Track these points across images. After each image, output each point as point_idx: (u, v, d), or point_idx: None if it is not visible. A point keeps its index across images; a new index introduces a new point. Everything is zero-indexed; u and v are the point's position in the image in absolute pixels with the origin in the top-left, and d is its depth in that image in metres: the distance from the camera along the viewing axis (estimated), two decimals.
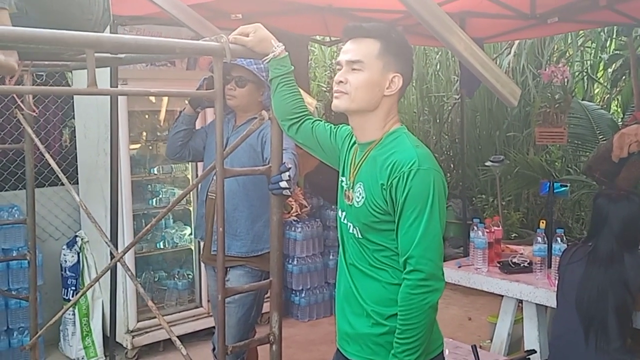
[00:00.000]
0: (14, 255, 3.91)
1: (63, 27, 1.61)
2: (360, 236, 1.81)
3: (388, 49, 1.77)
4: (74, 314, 4.22)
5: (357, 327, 1.84)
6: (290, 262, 4.88)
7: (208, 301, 4.38)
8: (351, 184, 1.85)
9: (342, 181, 1.92)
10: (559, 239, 3.21)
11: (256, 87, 2.83)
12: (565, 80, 5.13)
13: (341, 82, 1.79)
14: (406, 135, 1.81)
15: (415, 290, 1.67)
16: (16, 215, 4.03)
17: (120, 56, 2.44)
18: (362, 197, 1.78)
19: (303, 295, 4.94)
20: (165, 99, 4.44)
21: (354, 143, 1.90)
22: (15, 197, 4.32)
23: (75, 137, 4.68)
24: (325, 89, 7.67)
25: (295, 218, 4.92)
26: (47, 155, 2.49)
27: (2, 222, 3.76)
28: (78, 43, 1.50)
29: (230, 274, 2.82)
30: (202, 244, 3.08)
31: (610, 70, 6.74)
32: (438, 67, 7.58)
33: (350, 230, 1.85)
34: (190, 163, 4.41)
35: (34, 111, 2.49)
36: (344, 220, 1.89)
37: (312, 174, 5.10)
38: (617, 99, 6.92)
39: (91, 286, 2.48)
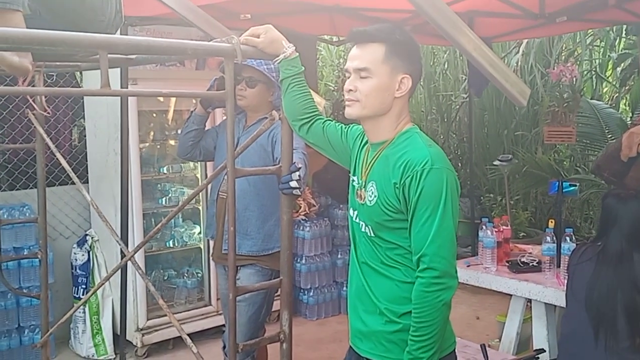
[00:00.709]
0: (25, 253, 3.94)
1: (76, 28, 1.63)
2: (372, 235, 1.83)
3: (394, 51, 1.77)
4: (84, 312, 4.26)
5: (370, 324, 1.86)
6: (298, 261, 4.89)
7: (218, 299, 4.41)
8: (363, 183, 1.86)
9: (353, 180, 1.93)
10: (568, 238, 3.20)
11: (266, 88, 2.84)
12: (574, 79, 5.12)
13: (351, 90, 1.80)
14: (418, 134, 1.82)
15: (429, 288, 1.69)
16: (27, 214, 4.06)
17: (131, 57, 2.46)
18: (375, 196, 1.80)
19: (311, 294, 4.96)
20: (173, 98, 4.47)
21: (366, 142, 1.92)
22: (26, 196, 4.35)
23: (85, 136, 4.71)
24: (332, 88, 7.68)
25: (303, 217, 4.94)
26: (58, 155, 2.51)
27: (13, 221, 3.79)
28: (92, 44, 1.52)
29: (240, 272, 2.84)
30: (211, 242, 3.10)
31: (619, 69, 6.72)
32: (446, 66, 7.58)
33: (363, 229, 1.86)
34: (199, 162, 4.44)
35: (46, 111, 2.51)
36: (355, 219, 1.90)
37: (320, 173, 5.11)
38: (626, 98, 6.89)
39: (102, 284, 2.50)
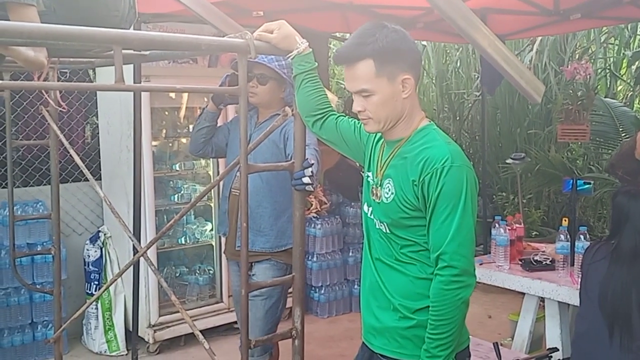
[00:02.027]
0: (38, 249, 3.97)
1: (89, 24, 1.63)
2: (387, 231, 1.82)
3: (383, 60, 1.71)
4: (96, 308, 4.28)
5: (383, 320, 1.85)
6: (309, 258, 4.89)
7: (229, 296, 4.42)
8: (379, 181, 1.84)
9: (368, 176, 1.92)
10: (582, 236, 3.17)
11: (278, 84, 2.84)
12: (588, 77, 5.08)
13: (360, 111, 1.79)
14: (436, 131, 1.81)
15: (449, 286, 1.68)
16: (41, 211, 4.09)
17: (144, 53, 2.47)
18: (392, 193, 1.78)
19: (322, 291, 4.95)
20: (185, 96, 4.48)
21: (380, 138, 1.90)
22: (39, 192, 4.38)
23: (97, 133, 4.74)
24: (344, 86, 7.66)
25: (314, 215, 4.93)
26: (71, 152, 2.52)
27: (27, 217, 3.81)
28: (106, 40, 1.52)
29: (255, 268, 2.85)
30: (223, 239, 3.10)
31: (633, 67, 6.66)
32: (458, 64, 7.54)
33: (377, 226, 1.86)
34: (211, 159, 4.45)
35: (62, 107, 2.53)
36: (370, 215, 1.89)
37: (331, 171, 5.10)
38: None
39: (114, 281, 2.51)
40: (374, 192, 1.86)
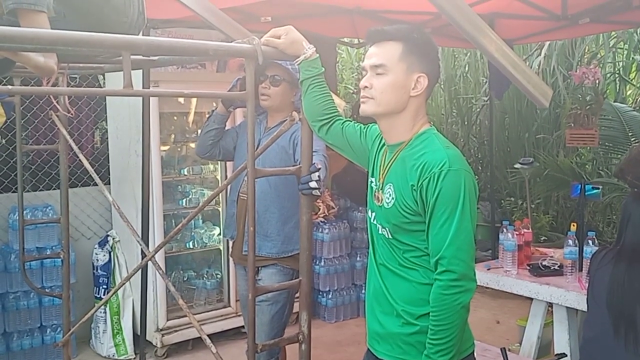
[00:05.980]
0: (48, 253, 4.00)
1: (99, 29, 1.65)
2: (390, 237, 1.82)
3: (410, 49, 1.77)
4: (105, 312, 4.30)
5: (387, 326, 1.85)
6: (317, 263, 4.89)
7: (237, 301, 4.42)
8: (380, 185, 1.85)
9: (371, 182, 1.93)
10: (590, 241, 3.16)
11: (290, 87, 2.84)
12: (597, 81, 5.06)
13: (366, 87, 1.81)
14: (436, 136, 1.81)
15: (447, 290, 1.68)
16: (50, 215, 4.11)
17: (153, 58, 2.49)
18: (392, 198, 1.79)
19: (330, 296, 4.95)
20: (194, 101, 4.50)
21: (384, 144, 1.91)
22: (49, 197, 4.41)
23: (107, 138, 4.76)
24: (352, 91, 7.69)
25: (322, 219, 4.93)
26: (81, 156, 2.54)
27: (36, 221, 3.84)
28: (115, 45, 1.53)
29: (262, 272, 2.85)
30: (231, 243, 3.11)
31: None
32: (467, 68, 7.53)
33: (380, 231, 1.86)
34: (219, 164, 4.46)
35: (70, 112, 2.54)
36: (373, 220, 1.90)
37: (339, 176, 5.11)
38: None
39: (123, 285, 2.52)
40: (377, 196, 1.87)
